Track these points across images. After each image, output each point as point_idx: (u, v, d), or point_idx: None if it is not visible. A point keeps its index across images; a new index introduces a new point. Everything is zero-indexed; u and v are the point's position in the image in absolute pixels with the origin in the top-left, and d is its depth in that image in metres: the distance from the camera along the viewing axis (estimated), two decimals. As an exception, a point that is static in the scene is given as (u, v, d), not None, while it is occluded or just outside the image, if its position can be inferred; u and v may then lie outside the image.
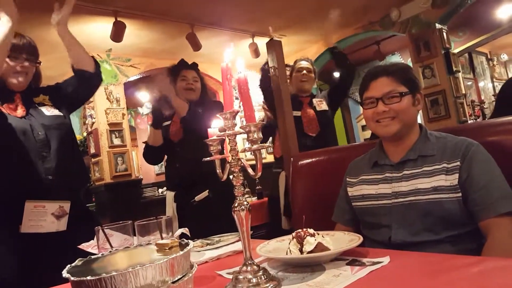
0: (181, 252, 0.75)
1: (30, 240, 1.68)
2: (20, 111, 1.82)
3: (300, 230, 1.10)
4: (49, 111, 1.90)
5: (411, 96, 1.41)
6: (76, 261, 0.82)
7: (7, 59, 1.76)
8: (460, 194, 1.25)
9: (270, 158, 6.66)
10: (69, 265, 0.78)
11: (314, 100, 3.22)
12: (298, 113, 3.12)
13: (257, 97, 6.76)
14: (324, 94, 3.34)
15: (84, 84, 2.01)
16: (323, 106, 3.21)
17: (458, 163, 1.27)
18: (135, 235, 1.12)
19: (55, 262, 1.04)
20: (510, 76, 8.97)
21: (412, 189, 1.33)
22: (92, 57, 2.06)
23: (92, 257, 0.85)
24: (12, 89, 1.85)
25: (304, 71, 3.26)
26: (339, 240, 1.14)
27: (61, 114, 1.93)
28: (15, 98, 1.85)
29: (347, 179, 1.59)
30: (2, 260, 1.64)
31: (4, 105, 1.79)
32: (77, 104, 2.14)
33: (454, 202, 1.25)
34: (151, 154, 2.77)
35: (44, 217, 1.70)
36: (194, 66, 2.87)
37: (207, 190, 2.54)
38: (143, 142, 2.89)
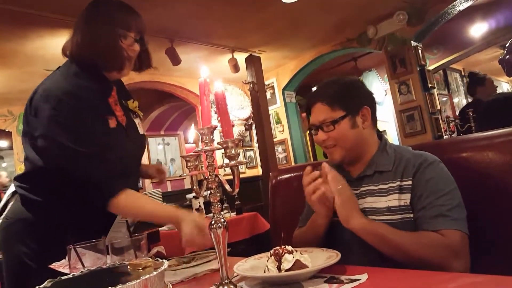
0: (155, 273, 0.72)
1: None
2: (121, 116, 1.34)
3: (278, 247, 1.08)
4: (140, 127, 1.47)
5: (349, 119, 1.32)
6: (45, 282, 0.79)
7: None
8: (412, 215, 1.18)
9: (249, 173, 6.66)
10: (37, 287, 0.75)
11: None
12: None
13: (236, 112, 6.83)
14: None
15: None
16: None
17: (410, 181, 1.21)
18: (108, 254, 1.08)
19: None
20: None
21: (367, 207, 1.27)
22: None
23: (63, 277, 0.82)
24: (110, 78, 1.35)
25: None
26: (317, 257, 1.13)
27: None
28: (113, 94, 1.35)
29: None
30: None
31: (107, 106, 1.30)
32: None
33: (408, 223, 1.18)
34: None
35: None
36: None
37: None
38: None
